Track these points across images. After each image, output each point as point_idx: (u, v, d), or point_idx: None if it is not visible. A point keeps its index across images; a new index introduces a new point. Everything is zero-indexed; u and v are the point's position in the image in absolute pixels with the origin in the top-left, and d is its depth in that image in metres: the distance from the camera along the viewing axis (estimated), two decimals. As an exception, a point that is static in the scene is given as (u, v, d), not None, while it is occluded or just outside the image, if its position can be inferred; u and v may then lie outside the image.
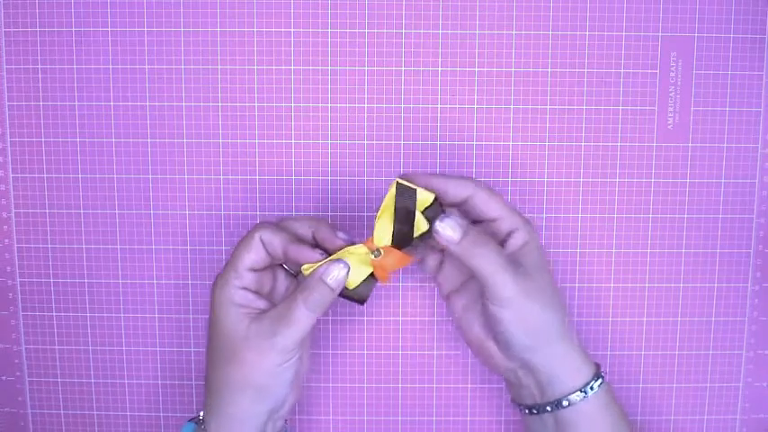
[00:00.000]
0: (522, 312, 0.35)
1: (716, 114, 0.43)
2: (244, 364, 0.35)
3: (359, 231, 0.43)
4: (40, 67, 0.43)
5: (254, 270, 0.36)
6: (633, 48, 0.43)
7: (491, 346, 0.38)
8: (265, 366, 0.35)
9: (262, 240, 0.36)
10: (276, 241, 0.36)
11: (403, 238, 0.35)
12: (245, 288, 0.36)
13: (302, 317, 0.35)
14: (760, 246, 0.44)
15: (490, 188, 0.37)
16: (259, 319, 0.35)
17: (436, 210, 0.35)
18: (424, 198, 0.35)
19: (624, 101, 0.43)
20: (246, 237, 0.36)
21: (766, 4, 0.42)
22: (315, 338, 0.45)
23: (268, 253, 0.36)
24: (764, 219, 0.44)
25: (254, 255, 0.36)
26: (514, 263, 0.35)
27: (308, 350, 0.39)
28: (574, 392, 0.36)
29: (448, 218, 0.35)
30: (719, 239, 0.44)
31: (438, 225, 0.34)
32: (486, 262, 0.34)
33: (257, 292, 0.37)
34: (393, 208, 0.35)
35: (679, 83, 0.43)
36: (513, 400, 0.40)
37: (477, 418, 0.46)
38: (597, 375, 0.37)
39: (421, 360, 0.45)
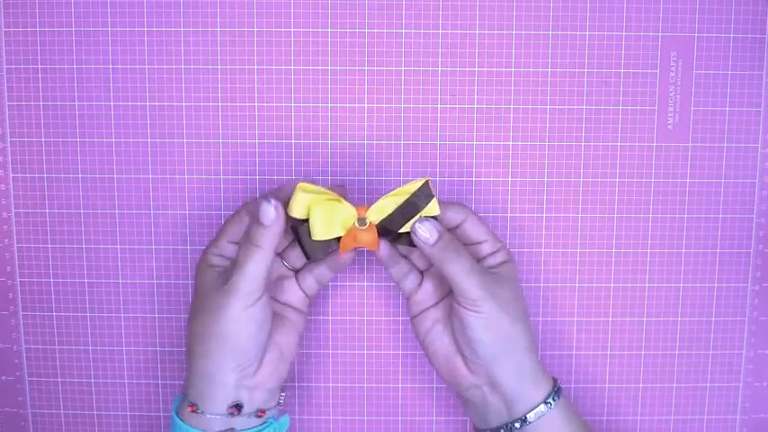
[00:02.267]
0: (490, 318, 0.37)
1: (716, 114, 0.43)
2: (208, 312, 0.36)
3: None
4: (40, 67, 0.43)
5: (235, 243, 0.38)
6: (633, 48, 0.43)
7: (458, 361, 0.39)
8: (227, 313, 0.36)
9: (250, 213, 0.38)
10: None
11: (391, 225, 0.37)
12: (221, 255, 0.38)
13: (247, 255, 0.36)
14: (760, 246, 0.44)
15: (478, 215, 0.39)
16: (222, 272, 0.38)
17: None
18: (431, 208, 0.37)
19: (624, 101, 0.43)
20: (236, 212, 0.39)
21: (766, 3, 0.42)
22: (315, 338, 0.45)
23: None
24: (764, 219, 0.44)
25: (236, 226, 0.38)
26: (485, 270, 0.38)
27: (289, 330, 0.39)
28: (538, 406, 0.37)
29: (427, 221, 0.37)
30: (719, 239, 0.44)
31: (417, 226, 0.37)
32: (458, 265, 0.37)
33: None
34: (406, 197, 0.37)
35: (679, 83, 0.43)
36: (477, 429, 0.40)
37: (477, 418, 0.46)
38: (556, 387, 0.39)
39: (421, 360, 0.45)
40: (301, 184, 0.36)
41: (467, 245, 0.39)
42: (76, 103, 0.43)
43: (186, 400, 0.37)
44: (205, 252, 0.39)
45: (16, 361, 0.45)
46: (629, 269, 0.44)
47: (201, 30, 0.42)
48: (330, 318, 0.45)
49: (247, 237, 0.36)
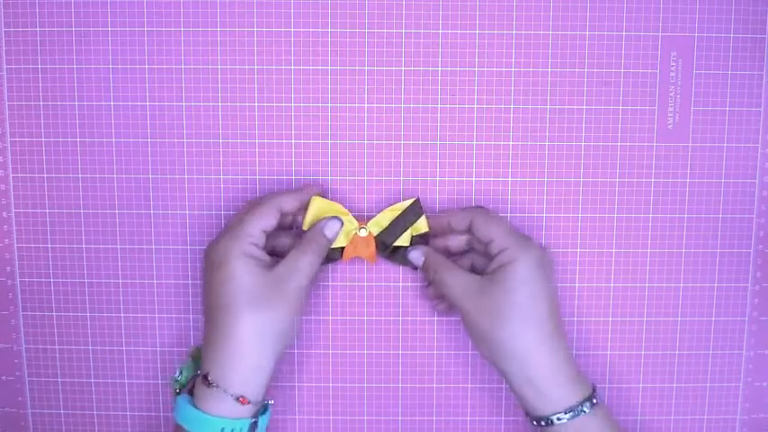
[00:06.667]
0: (477, 328, 0.39)
1: (716, 114, 0.43)
2: (273, 310, 0.38)
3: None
4: (40, 67, 0.43)
5: (265, 232, 0.40)
6: (633, 48, 0.43)
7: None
8: (289, 310, 0.38)
9: (279, 210, 0.40)
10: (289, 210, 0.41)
11: (386, 238, 0.41)
12: (255, 244, 0.39)
13: (307, 264, 0.39)
14: (760, 246, 0.44)
15: (489, 214, 0.41)
16: (275, 269, 0.39)
17: (425, 240, 0.42)
18: (421, 225, 0.42)
19: (624, 101, 0.43)
20: (262, 204, 0.39)
21: (766, 3, 0.42)
22: (315, 338, 0.45)
23: (280, 219, 0.40)
24: (764, 219, 0.44)
25: (266, 221, 0.39)
26: (471, 279, 0.39)
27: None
28: (562, 412, 0.37)
29: (414, 250, 0.42)
30: (719, 239, 0.44)
31: (408, 251, 0.42)
32: (442, 282, 0.40)
33: (263, 248, 0.40)
34: (398, 214, 0.41)
35: (679, 83, 0.43)
36: (525, 414, 0.40)
37: (477, 418, 0.46)
38: (590, 397, 0.38)
39: (421, 360, 0.45)
40: (314, 198, 0.41)
41: (482, 244, 0.41)
42: (76, 103, 0.43)
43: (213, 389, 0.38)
44: (237, 239, 0.38)
45: (16, 361, 0.45)
46: (629, 269, 0.44)
47: (201, 30, 0.42)
48: (330, 318, 0.45)
49: (311, 247, 0.40)
